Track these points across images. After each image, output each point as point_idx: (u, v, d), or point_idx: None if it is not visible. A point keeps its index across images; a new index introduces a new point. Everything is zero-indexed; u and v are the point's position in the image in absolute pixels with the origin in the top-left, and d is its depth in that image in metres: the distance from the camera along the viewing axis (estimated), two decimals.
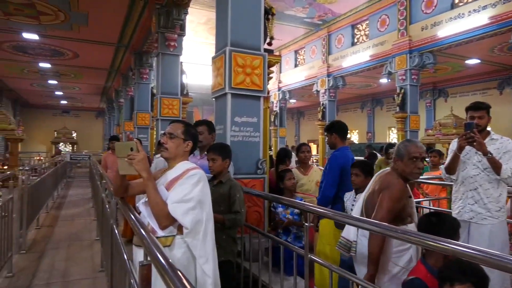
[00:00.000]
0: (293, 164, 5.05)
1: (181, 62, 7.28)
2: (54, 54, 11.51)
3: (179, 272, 1.03)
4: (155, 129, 11.90)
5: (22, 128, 12.25)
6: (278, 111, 16.91)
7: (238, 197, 2.55)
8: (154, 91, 11.47)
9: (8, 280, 3.90)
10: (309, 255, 2.13)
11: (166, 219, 1.76)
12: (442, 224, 1.89)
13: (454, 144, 3.00)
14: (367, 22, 11.90)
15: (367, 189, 2.35)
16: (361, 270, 2.23)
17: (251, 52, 3.71)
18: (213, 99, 4.00)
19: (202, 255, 1.78)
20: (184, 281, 0.97)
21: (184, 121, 2.11)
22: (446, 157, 3.42)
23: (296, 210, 3.24)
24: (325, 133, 3.54)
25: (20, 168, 7.69)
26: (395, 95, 10.25)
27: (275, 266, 2.82)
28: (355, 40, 12.58)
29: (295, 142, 24.62)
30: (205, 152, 2.88)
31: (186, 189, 1.79)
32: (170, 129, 1.98)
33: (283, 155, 4.47)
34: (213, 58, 3.91)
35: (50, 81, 16.17)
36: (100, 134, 27.48)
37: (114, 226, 2.74)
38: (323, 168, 3.74)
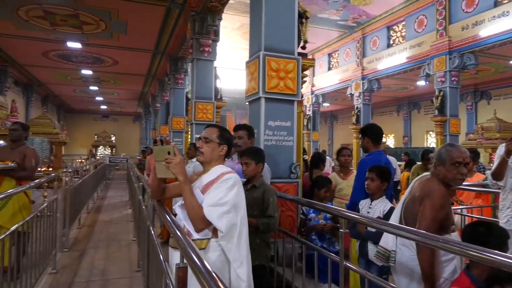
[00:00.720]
0: (327, 168, 4.98)
1: (215, 67, 7.40)
2: (95, 61, 12.06)
3: (214, 275, 1.04)
4: (189, 133, 12.20)
5: (65, 132, 12.89)
6: (311, 115, 16.78)
7: (272, 201, 2.54)
8: (189, 95, 11.75)
9: (52, 276, 4.09)
10: (344, 262, 2.08)
11: (202, 222, 1.78)
12: (490, 234, 1.77)
13: (501, 149, 2.83)
14: (404, 23, 11.57)
15: (406, 195, 2.26)
16: (401, 281, 2.14)
17: (285, 56, 3.71)
18: (247, 103, 4.02)
19: (237, 258, 1.78)
20: (220, 284, 0.97)
21: (219, 126, 2.13)
22: (490, 162, 3.25)
23: (329, 215, 3.17)
24: (360, 136, 3.46)
25: (64, 170, 8.08)
26: (434, 98, 9.88)
27: (308, 272, 2.78)
28: (391, 42, 12.26)
29: (328, 146, 24.28)
30: (239, 157, 2.90)
31: (221, 192, 1.81)
32: (205, 133, 2.01)
33: (317, 159, 4.41)
34: (247, 62, 3.94)
35: (91, 87, 16.95)
36: (137, 138, 28.41)
37: (151, 227, 2.81)
38: None
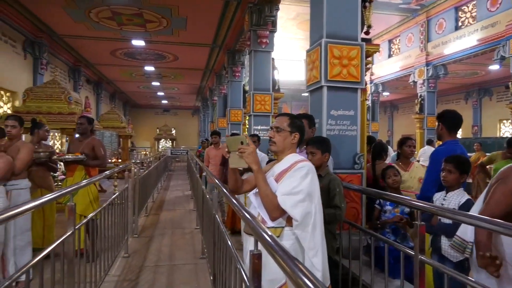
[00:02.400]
0: (389, 159, 4.76)
1: (273, 58, 7.38)
2: (157, 58, 12.63)
3: (292, 256, 1.02)
4: (247, 125, 12.35)
5: (131, 126, 13.73)
6: (370, 104, 16.15)
7: (338, 191, 2.47)
8: (246, 88, 11.88)
9: (125, 260, 4.39)
10: (419, 256, 1.97)
11: (276, 211, 1.77)
12: None
13: None
14: (474, 2, 10.62)
15: (490, 185, 2.08)
16: (481, 274, 1.98)
17: (348, 42, 3.57)
18: (303, 94, 3.94)
19: (312, 247, 1.76)
20: (299, 265, 0.95)
21: (290, 114, 2.10)
22: None
23: (407, 209, 2.98)
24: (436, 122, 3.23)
25: (133, 161, 8.63)
26: (510, 83, 8.99)
27: (376, 266, 2.68)
28: (459, 24, 11.33)
29: (388, 137, 23.27)
30: (304, 146, 2.85)
31: (295, 181, 1.79)
32: (276, 123, 2.00)
33: (379, 149, 4.22)
34: (308, 51, 3.86)
35: (153, 83, 17.81)
36: (196, 131, 29.42)
37: (217, 216, 2.88)
38: (426, 165, 3.43)
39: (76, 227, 2.37)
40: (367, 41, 3.87)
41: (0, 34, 8.18)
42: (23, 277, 3.57)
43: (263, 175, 1.84)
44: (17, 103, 8.78)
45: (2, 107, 8.59)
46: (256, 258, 1.31)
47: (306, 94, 4.00)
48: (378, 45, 4.19)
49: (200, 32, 9.68)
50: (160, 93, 21.73)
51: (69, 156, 4.16)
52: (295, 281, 0.86)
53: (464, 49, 10.87)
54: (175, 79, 16.73)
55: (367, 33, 4.05)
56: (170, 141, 26.88)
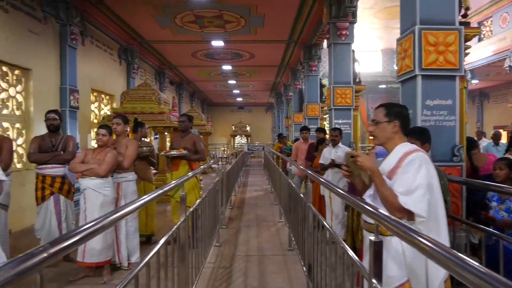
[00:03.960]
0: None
1: (353, 50, 7.20)
2: (234, 56, 13.06)
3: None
4: (324, 119, 12.19)
5: (210, 123, 14.40)
6: None
7: (443, 184, 2.36)
8: (323, 82, 11.74)
9: (217, 248, 4.67)
10: None
11: (399, 212, 1.71)
12: None
13: None
14: None
15: None
16: None
17: (444, 27, 3.36)
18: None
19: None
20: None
21: (387, 103, 2.06)
22: None
23: None
24: None
25: (219, 156, 9.08)
26: None
27: (487, 266, 2.50)
28: None
29: (477, 128, 21.22)
30: None
31: (410, 177, 1.72)
32: (373, 116, 1.98)
33: (469, 140, 3.98)
34: (398, 40, 3.71)
35: (230, 81, 18.46)
36: (269, 127, 29.83)
37: (311, 207, 2.94)
38: None
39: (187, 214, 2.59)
40: (466, 24, 3.61)
41: (101, 44, 9.16)
42: (134, 259, 3.99)
43: (379, 178, 1.78)
44: (114, 105, 9.76)
45: (103, 108, 9.62)
46: (378, 246, 1.33)
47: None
48: (478, 28, 3.88)
49: (276, 29, 9.80)
50: (236, 91, 22.43)
51: (175, 152, 4.55)
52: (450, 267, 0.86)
53: None
54: (250, 76, 17.14)
55: (464, 15, 3.77)
56: (245, 138, 27.60)
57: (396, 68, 3.84)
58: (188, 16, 8.73)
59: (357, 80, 7.45)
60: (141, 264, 1.66)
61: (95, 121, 9.01)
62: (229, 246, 4.83)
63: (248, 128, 27.53)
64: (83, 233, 1.11)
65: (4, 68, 5.86)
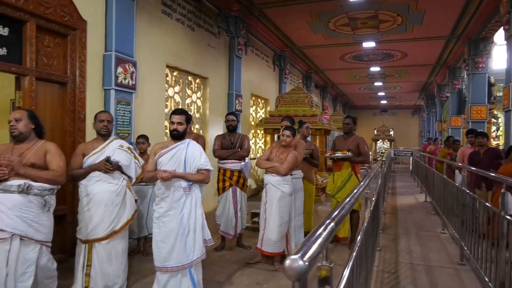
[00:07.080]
0: None
1: None
2: (384, 57, 12.53)
3: None
4: (492, 122, 10.61)
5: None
6: None
7: None
8: (491, 80, 10.31)
9: (378, 252, 4.59)
10: None
11: None
12: None
13: None
14: None
15: None
16: None
17: None
18: None
19: None
20: None
21: None
22: None
23: None
24: None
25: (379, 158, 8.90)
26: None
27: None
28: None
29: None
30: None
31: None
32: None
33: None
34: None
35: (376, 83, 17.76)
36: (416, 131, 27.58)
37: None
38: None
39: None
40: None
41: (259, 52, 10.02)
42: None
43: None
44: (268, 108, 10.54)
45: (259, 112, 10.51)
46: None
47: None
48: None
49: (437, 24, 9.01)
50: (381, 93, 21.47)
51: (339, 154, 4.71)
52: None
53: None
54: (399, 77, 16.18)
55: None
56: (388, 142, 26.11)
57: None
58: (342, 19, 8.80)
59: None
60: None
61: (253, 123, 9.89)
62: (390, 252, 4.72)
63: (391, 132, 25.98)
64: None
65: (190, 78, 6.98)
